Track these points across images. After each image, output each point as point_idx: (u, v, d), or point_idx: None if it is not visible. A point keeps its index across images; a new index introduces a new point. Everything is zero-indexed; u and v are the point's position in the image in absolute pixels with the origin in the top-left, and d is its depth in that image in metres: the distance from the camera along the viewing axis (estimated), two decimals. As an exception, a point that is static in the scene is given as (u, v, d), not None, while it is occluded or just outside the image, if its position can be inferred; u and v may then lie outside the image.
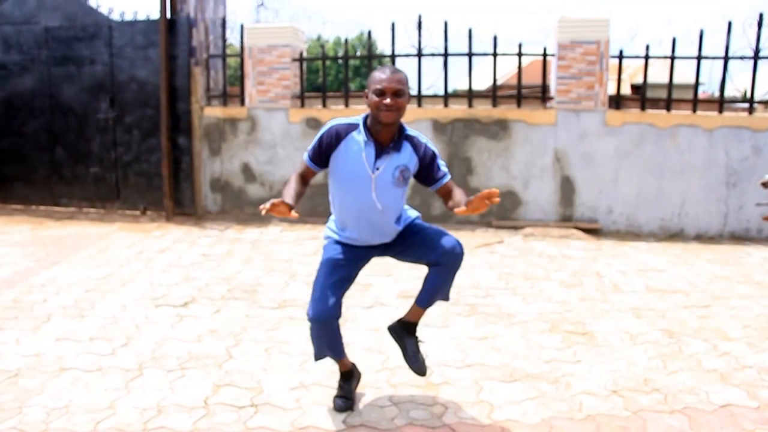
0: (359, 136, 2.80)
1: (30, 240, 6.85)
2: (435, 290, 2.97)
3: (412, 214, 3.08)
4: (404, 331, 3.10)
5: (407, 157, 2.84)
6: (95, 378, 3.40)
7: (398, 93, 2.70)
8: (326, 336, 2.92)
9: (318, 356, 3.03)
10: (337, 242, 2.99)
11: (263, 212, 2.55)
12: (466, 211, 2.59)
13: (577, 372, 3.54)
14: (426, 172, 2.88)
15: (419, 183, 2.95)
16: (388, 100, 2.68)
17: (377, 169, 2.79)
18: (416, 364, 3.07)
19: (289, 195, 2.74)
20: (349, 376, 3.17)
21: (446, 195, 2.89)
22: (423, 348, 3.27)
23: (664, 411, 3.10)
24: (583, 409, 3.12)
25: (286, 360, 3.67)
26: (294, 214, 2.59)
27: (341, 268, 2.91)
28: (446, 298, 3.08)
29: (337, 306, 2.85)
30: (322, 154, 2.86)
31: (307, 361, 3.63)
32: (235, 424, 2.94)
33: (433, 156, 2.87)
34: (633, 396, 3.25)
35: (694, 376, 3.49)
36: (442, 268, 2.90)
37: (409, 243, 2.98)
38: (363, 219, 2.87)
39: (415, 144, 2.86)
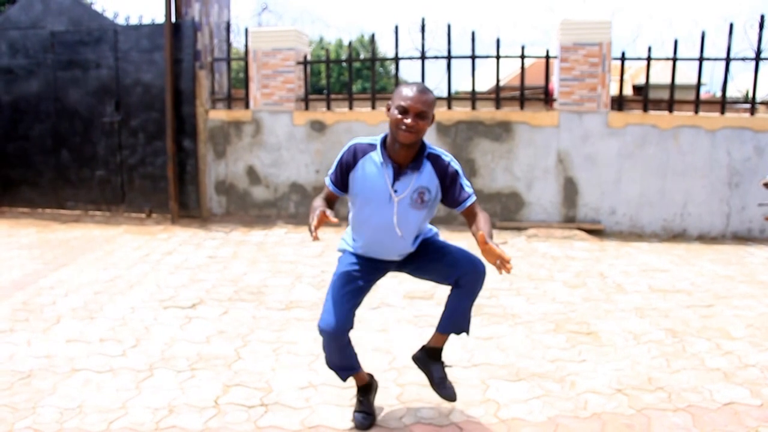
0: (377, 157, 2.68)
1: (37, 243, 6.91)
2: (454, 312, 2.82)
3: (431, 229, 2.96)
4: (428, 358, 2.97)
5: (427, 178, 2.68)
6: (107, 379, 3.45)
7: (422, 115, 2.55)
8: (337, 349, 2.82)
9: (330, 366, 2.93)
10: (352, 254, 2.90)
11: (313, 238, 2.46)
12: (484, 243, 2.36)
13: (581, 371, 3.58)
14: (448, 192, 2.70)
15: (444, 205, 2.78)
16: (409, 121, 2.53)
17: (395, 192, 2.66)
18: (444, 390, 2.92)
19: (320, 205, 2.63)
20: (368, 390, 3.04)
21: (470, 217, 2.69)
22: (449, 371, 3.17)
23: (668, 409, 3.13)
24: (588, 407, 3.15)
25: (295, 360, 3.71)
26: (333, 218, 2.43)
27: (355, 280, 2.82)
28: (466, 329, 2.87)
29: (348, 318, 2.74)
30: (342, 176, 2.75)
31: (315, 361, 3.67)
32: (245, 423, 2.99)
33: (455, 175, 2.69)
34: (637, 394, 3.29)
35: (697, 375, 3.53)
36: (462, 289, 2.77)
37: (429, 261, 2.85)
38: (380, 239, 2.78)
39: (436, 163, 2.69)
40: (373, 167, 2.69)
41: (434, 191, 2.71)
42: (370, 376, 3.10)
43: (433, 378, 2.95)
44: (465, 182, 2.71)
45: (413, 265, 2.90)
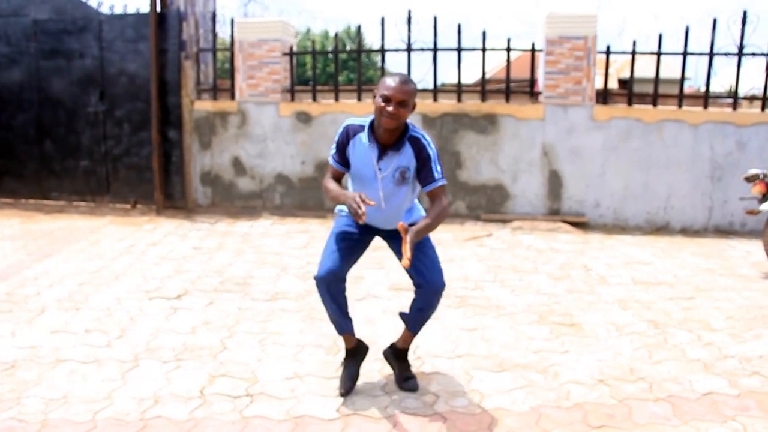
0: (364, 138, 2.98)
1: (20, 233, 6.85)
2: (413, 315, 3.15)
3: (423, 215, 3.16)
4: (395, 358, 3.32)
5: (407, 159, 2.96)
6: (92, 369, 3.44)
7: (402, 103, 2.82)
8: (333, 298, 3.04)
9: (339, 330, 3.22)
10: (348, 216, 3.14)
11: (362, 219, 2.70)
12: (405, 233, 2.68)
13: (564, 362, 3.63)
14: (420, 172, 2.97)
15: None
16: (390, 108, 2.82)
17: (380, 170, 2.96)
18: (406, 386, 3.25)
19: (344, 191, 2.93)
20: (354, 353, 3.29)
21: (431, 200, 2.96)
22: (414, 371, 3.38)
23: (649, 399, 3.19)
24: (570, 397, 3.20)
25: (280, 351, 3.72)
26: (370, 201, 2.75)
27: (349, 238, 3.10)
28: (414, 332, 3.21)
29: (344, 266, 3.01)
30: (342, 153, 3.06)
31: (300, 352, 3.69)
32: (231, 413, 3.00)
33: (428, 158, 2.94)
34: (619, 385, 3.34)
35: (678, 366, 3.59)
36: (419, 299, 3.07)
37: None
38: (370, 209, 2.94)
39: (416, 144, 2.95)
40: (362, 146, 3.00)
41: (413, 170, 2.99)
42: (359, 341, 3.34)
43: (396, 375, 3.31)
44: (436, 167, 2.94)
45: (397, 246, 3.12)
